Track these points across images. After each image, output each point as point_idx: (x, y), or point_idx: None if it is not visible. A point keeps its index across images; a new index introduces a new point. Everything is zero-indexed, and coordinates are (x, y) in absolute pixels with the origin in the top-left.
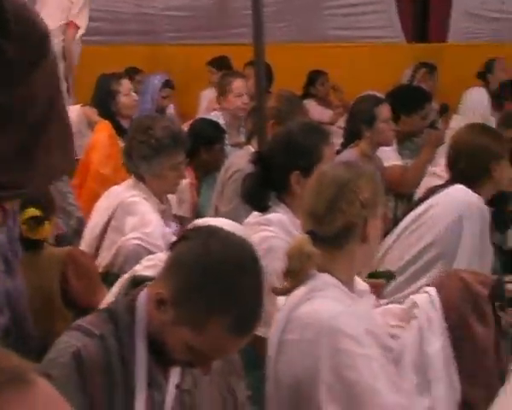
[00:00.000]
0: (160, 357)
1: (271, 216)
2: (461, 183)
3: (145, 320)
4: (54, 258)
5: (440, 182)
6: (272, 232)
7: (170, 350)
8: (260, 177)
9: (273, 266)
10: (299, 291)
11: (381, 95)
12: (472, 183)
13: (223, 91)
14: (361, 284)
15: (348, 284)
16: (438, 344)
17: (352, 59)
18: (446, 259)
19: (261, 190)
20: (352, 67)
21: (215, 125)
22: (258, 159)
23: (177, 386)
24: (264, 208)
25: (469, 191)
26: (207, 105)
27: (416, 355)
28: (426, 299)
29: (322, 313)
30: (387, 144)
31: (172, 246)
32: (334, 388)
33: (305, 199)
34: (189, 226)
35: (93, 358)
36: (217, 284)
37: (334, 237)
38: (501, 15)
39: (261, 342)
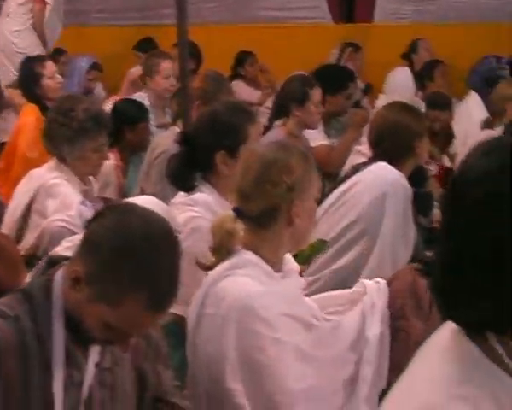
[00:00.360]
0: (79, 336)
1: (197, 196)
2: (384, 160)
3: (62, 299)
4: None
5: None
6: (197, 213)
7: (87, 328)
8: (185, 157)
9: (199, 246)
10: (220, 267)
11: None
12: (395, 160)
13: (149, 72)
14: (292, 263)
15: (274, 263)
16: (377, 330)
17: (280, 40)
18: (369, 236)
19: (186, 171)
20: (281, 48)
21: (138, 104)
22: (184, 139)
23: (97, 365)
24: (189, 189)
25: (393, 169)
26: (128, 85)
27: (355, 336)
28: (374, 287)
29: (239, 290)
30: (314, 127)
31: (88, 224)
32: (239, 367)
33: (235, 176)
34: (105, 204)
35: (7, 339)
36: (131, 261)
37: (258, 217)
38: None
39: (184, 322)
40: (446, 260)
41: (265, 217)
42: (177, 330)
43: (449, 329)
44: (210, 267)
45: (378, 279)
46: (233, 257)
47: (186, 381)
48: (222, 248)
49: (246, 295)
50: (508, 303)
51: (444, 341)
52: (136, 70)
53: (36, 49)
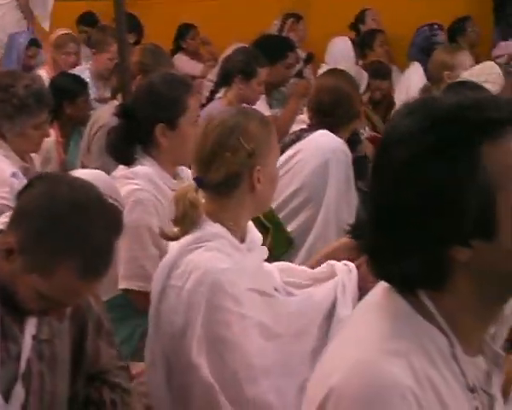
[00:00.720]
0: (14, 308)
1: (137, 169)
2: (324, 128)
3: None
4: None
5: None
6: (138, 185)
7: (22, 299)
8: (125, 130)
9: (143, 218)
10: (186, 239)
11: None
12: (335, 127)
13: (98, 47)
14: (254, 232)
15: (238, 232)
16: (349, 311)
17: (221, 12)
18: (314, 203)
19: (126, 144)
20: (222, 20)
21: (76, 78)
22: (122, 112)
23: (34, 337)
24: (129, 162)
25: (334, 136)
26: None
27: (325, 313)
28: (344, 269)
29: (207, 264)
30: (252, 104)
31: (19, 195)
32: (204, 341)
33: (195, 144)
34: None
35: None
36: (61, 229)
37: (219, 185)
38: None
39: (138, 296)
40: (375, 219)
41: (227, 185)
42: (124, 302)
43: (381, 288)
44: (173, 238)
45: (347, 262)
46: (199, 229)
47: (144, 348)
48: (186, 219)
49: (214, 270)
50: (434, 260)
51: (376, 299)
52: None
53: (16, 26)
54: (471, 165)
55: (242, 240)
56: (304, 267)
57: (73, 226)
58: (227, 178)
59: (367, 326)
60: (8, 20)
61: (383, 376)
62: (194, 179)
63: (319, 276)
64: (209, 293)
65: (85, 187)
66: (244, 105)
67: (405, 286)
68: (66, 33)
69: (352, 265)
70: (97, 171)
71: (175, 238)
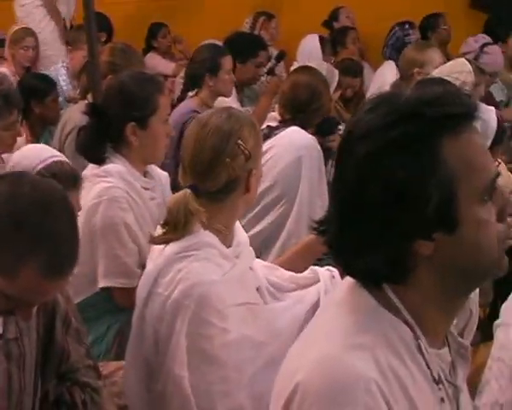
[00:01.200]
0: None
1: (109, 167)
2: (296, 124)
3: None
4: None
5: None
6: (111, 183)
7: None
8: (95, 128)
9: (119, 215)
10: (176, 246)
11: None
12: (306, 124)
13: (75, 44)
14: (241, 234)
15: (228, 236)
16: None
17: (189, 10)
18: (287, 199)
19: (97, 142)
20: (192, 18)
21: (44, 77)
22: (93, 111)
23: (1, 336)
24: (100, 160)
25: (306, 133)
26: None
27: (308, 318)
28: (327, 274)
29: (195, 276)
30: (227, 95)
31: None
32: (188, 354)
33: (185, 150)
34: None
35: None
36: (23, 229)
37: (217, 192)
38: None
39: (121, 293)
40: (338, 215)
41: (225, 190)
42: (97, 301)
43: (346, 283)
44: (162, 242)
45: (330, 268)
46: (189, 236)
47: (126, 350)
48: (178, 226)
49: (202, 282)
50: (398, 254)
51: (341, 295)
52: None
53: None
54: (432, 159)
55: (230, 244)
56: (287, 271)
57: (35, 226)
58: (227, 184)
59: (332, 322)
60: (30, 19)
61: (346, 370)
62: (190, 187)
63: (303, 281)
64: (196, 306)
65: (48, 186)
66: (222, 99)
67: (370, 280)
68: (22, 28)
69: (335, 271)
70: None
71: (162, 243)
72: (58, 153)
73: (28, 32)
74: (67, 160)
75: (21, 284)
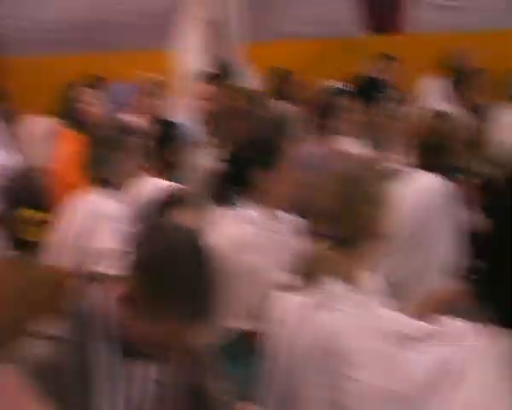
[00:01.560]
0: (125, 351)
1: (242, 212)
2: (427, 169)
3: None
4: None
5: None
6: (246, 228)
7: (135, 343)
8: (226, 174)
9: (256, 259)
10: (315, 297)
11: None
12: (437, 169)
13: None
14: (368, 280)
15: (354, 280)
16: None
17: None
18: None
19: (226, 187)
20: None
21: None
22: (229, 157)
23: (156, 381)
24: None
25: (438, 178)
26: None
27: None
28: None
29: (332, 328)
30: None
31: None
32: (317, 402)
33: (315, 199)
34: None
35: None
36: (172, 279)
37: (350, 239)
38: None
39: (249, 336)
40: (499, 266)
41: (357, 238)
42: (232, 349)
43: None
44: (292, 290)
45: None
46: (325, 287)
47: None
48: (310, 276)
49: (336, 332)
50: None
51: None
52: None
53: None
54: None
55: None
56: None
57: (181, 276)
58: (359, 231)
59: None
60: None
61: None
62: (325, 236)
63: (432, 332)
64: (329, 357)
65: (180, 233)
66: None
67: None
68: None
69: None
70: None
71: (292, 291)
72: None
73: None
74: None
75: (166, 329)
